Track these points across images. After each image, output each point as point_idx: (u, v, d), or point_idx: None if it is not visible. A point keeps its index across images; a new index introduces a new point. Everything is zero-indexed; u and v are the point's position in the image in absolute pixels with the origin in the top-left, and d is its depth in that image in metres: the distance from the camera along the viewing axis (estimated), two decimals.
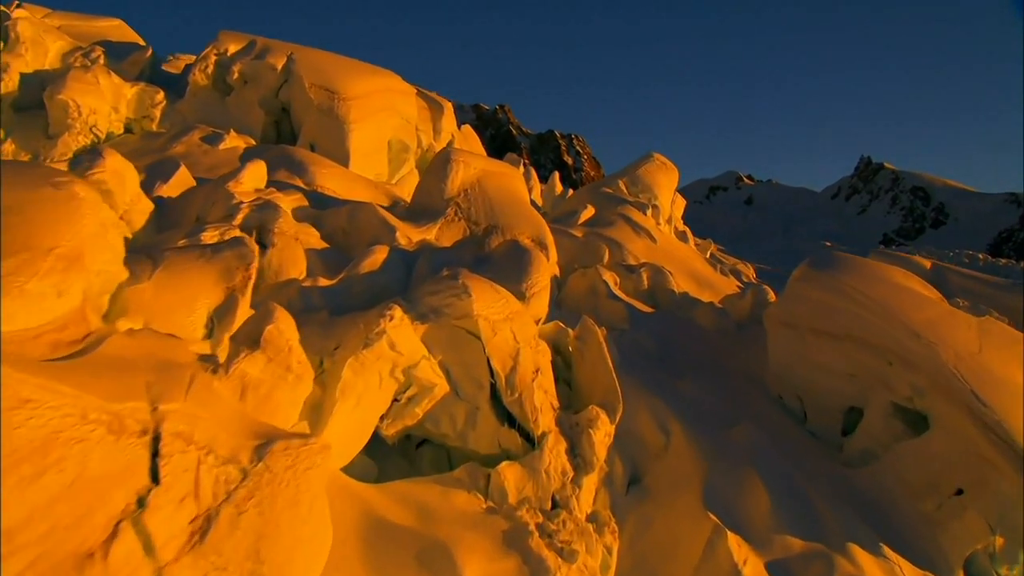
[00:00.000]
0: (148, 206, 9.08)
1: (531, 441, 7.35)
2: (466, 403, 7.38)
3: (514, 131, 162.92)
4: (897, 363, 10.16)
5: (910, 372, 9.97)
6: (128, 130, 16.65)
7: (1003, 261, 77.88)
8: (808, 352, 11.24)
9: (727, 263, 27.21)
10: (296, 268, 8.46)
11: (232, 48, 17.87)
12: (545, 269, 8.65)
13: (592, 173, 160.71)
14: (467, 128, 23.68)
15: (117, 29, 21.27)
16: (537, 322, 8.40)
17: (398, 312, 6.87)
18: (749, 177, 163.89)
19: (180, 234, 7.57)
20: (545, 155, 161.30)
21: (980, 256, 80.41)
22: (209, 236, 7.40)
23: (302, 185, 13.15)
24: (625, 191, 20.17)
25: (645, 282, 14.72)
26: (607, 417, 7.75)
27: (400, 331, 6.84)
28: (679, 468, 9.14)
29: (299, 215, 10.56)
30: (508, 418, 7.40)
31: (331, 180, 13.79)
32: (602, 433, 7.65)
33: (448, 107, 21.09)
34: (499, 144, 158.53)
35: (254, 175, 9.88)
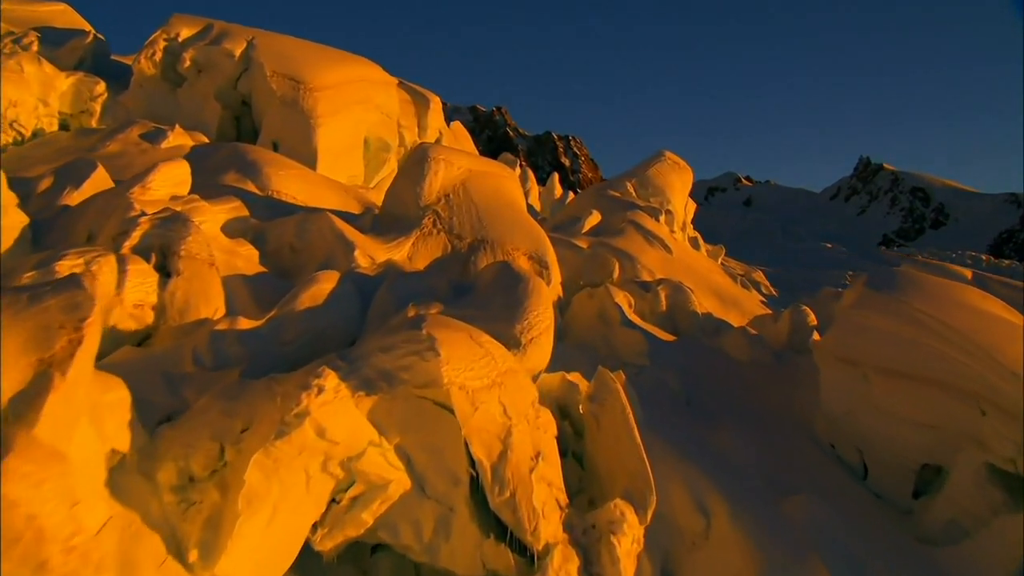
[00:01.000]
0: (19, 220, 6.79)
1: (529, 557, 5.07)
2: (436, 504, 5.10)
3: (511, 133, 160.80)
4: (993, 412, 7.91)
5: (1011, 425, 7.71)
6: (64, 126, 14.34)
7: (1006, 262, 75.98)
8: (873, 395, 9.01)
9: (737, 270, 24.97)
10: (209, 304, 6.19)
11: (185, 33, 15.54)
12: (546, 302, 6.38)
13: (590, 175, 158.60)
14: (457, 125, 21.40)
15: (62, 14, 18.98)
16: (536, 376, 6.15)
17: (330, 380, 4.59)
18: (747, 178, 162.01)
19: (31, 263, 5.29)
20: (542, 157, 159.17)
21: (984, 257, 78.47)
22: (66, 265, 5.13)
23: (254, 190, 10.85)
24: (634, 194, 17.91)
25: (663, 303, 12.45)
26: (635, 516, 5.46)
27: (333, 409, 4.56)
28: (724, 560, 6.95)
29: (234, 228, 8.26)
30: (496, 525, 5.12)
31: (290, 183, 11.50)
32: (629, 540, 5.35)
33: (435, 101, 18.80)
34: (496, 146, 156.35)
35: (169, 178, 7.57)
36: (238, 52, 14.91)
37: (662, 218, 16.73)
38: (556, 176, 25.33)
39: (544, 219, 19.45)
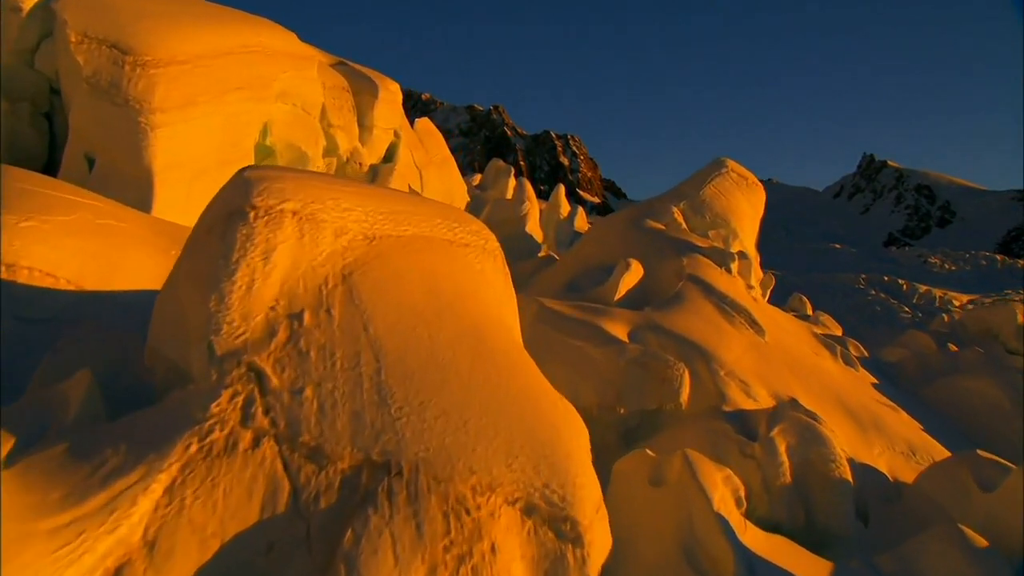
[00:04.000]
0: None
1: None
2: None
3: (509, 132, 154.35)
4: None
5: None
6: None
7: (1021, 263, 69.54)
8: None
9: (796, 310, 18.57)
10: None
11: None
12: None
13: (589, 174, 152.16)
14: (425, 125, 14.96)
15: None
16: None
17: None
18: None
19: None
20: (541, 156, 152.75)
21: (998, 257, 71.98)
22: None
23: None
24: (683, 224, 11.53)
25: (784, 466, 6.11)
26: None
27: None
28: None
29: None
30: None
31: (47, 244, 5.24)
32: None
33: (388, 89, 12.39)
34: (494, 145, 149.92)
35: None
36: (27, 4, 8.51)
37: (734, 265, 10.34)
38: (562, 189, 18.86)
39: (548, 262, 13.02)
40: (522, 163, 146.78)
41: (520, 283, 12.01)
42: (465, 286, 4.02)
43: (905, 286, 45.50)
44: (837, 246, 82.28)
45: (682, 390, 7.12)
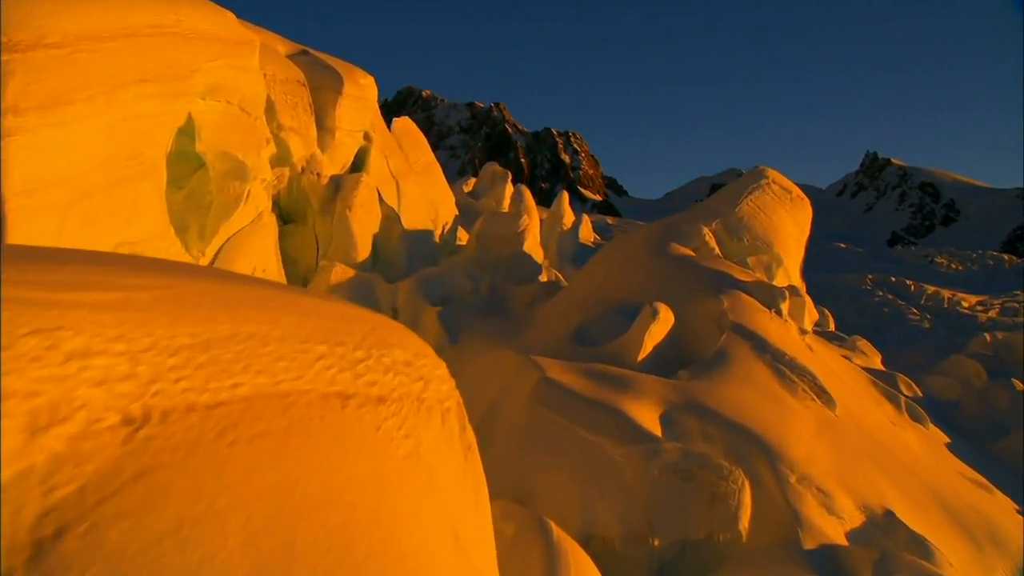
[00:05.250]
0: None
1: None
2: None
3: (510, 129, 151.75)
4: None
5: None
6: None
7: None
8: None
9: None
10: None
11: None
12: None
13: (591, 171, 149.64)
14: (405, 124, 12.58)
15: None
16: None
17: None
18: None
19: None
20: (542, 153, 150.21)
21: (1006, 257, 69.77)
22: None
23: None
24: (715, 246, 9.27)
25: None
26: None
27: None
28: None
29: None
30: None
31: None
32: None
33: (358, 82, 10.10)
34: (494, 143, 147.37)
35: None
36: None
37: (785, 306, 8.07)
38: (565, 196, 16.54)
39: (549, 288, 10.73)
40: (523, 160, 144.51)
41: (516, 318, 9.77)
42: (365, 501, 1.79)
43: (913, 287, 43.69)
44: (842, 245, 79.87)
45: (742, 512, 4.89)
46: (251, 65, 8.16)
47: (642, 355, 6.79)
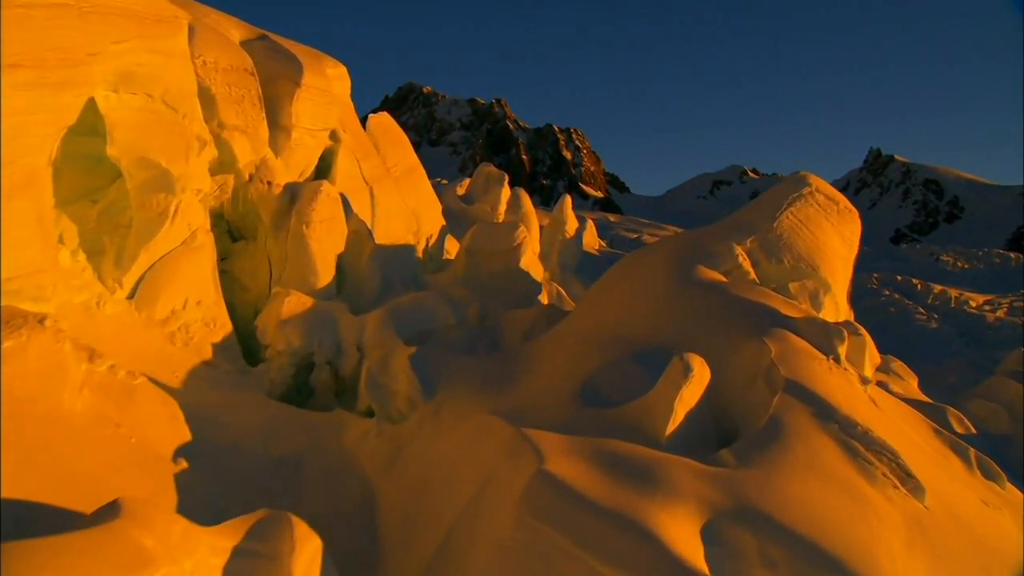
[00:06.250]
0: None
1: None
2: None
3: (511, 125, 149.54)
4: None
5: None
6: None
7: None
8: None
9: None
10: None
11: None
12: None
13: (592, 168, 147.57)
14: (382, 123, 10.77)
15: None
16: None
17: None
18: (754, 171, 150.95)
19: None
20: (543, 150, 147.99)
21: (1012, 255, 67.97)
22: None
23: None
24: (750, 270, 7.58)
25: None
26: None
27: None
28: None
29: None
30: None
31: None
32: None
33: (324, 73, 8.38)
34: (496, 139, 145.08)
35: None
36: None
37: (843, 349, 6.36)
38: (568, 201, 14.84)
39: (549, 315, 9.03)
40: (524, 157, 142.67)
41: (509, 357, 8.04)
42: None
43: (919, 286, 42.52)
44: None
45: None
46: (175, 49, 6.45)
47: (672, 428, 5.11)
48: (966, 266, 63.11)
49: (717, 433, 5.60)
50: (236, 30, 9.05)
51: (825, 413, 5.34)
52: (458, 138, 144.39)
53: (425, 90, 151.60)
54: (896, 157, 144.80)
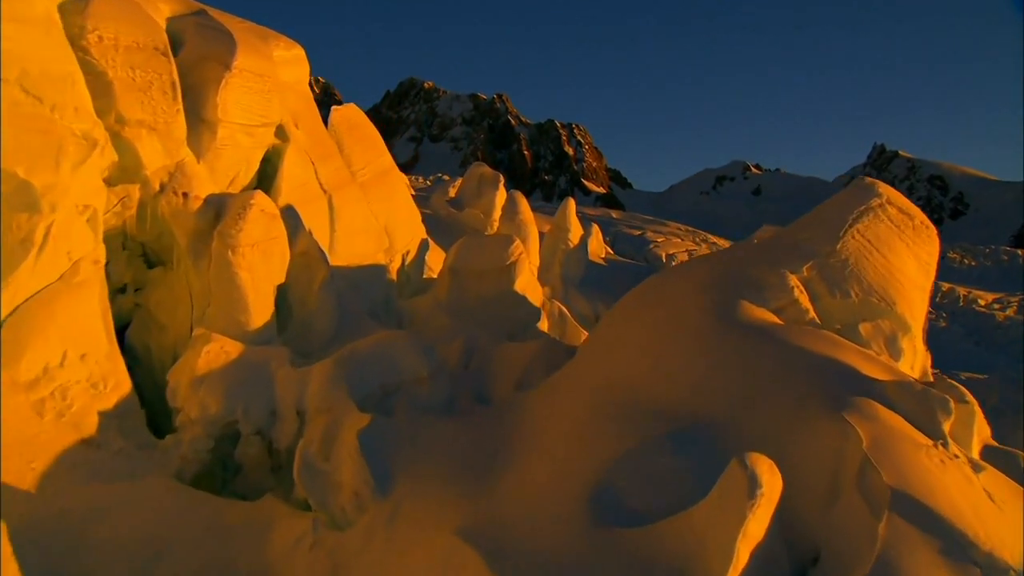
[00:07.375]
0: None
1: None
2: None
3: (513, 121, 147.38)
4: None
5: None
6: None
7: None
8: None
9: None
10: None
11: None
12: None
13: (594, 164, 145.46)
14: (348, 116, 8.89)
15: None
16: None
17: None
18: (757, 166, 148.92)
19: None
20: (545, 145, 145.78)
21: (1020, 252, 66.13)
22: None
23: None
24: (807, 305, 5.82)
25: None
26: None
27: None
28: None
29: None
30: None
31: None
32: None
33: (266, 54, 6.58)
34: (497, 135, 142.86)
35: None
36: None
37: (947, 424, 4.59)
38: (571, 204, 13.03)
39: (547, 351, 7.22)
40: (526, 152, 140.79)
41: (496, 421, 5.93)
42: None
43: None
44: None
45: None
46: (35, 14, 4.63)
47: (734, 572, 3.34)
48: (973, 263, 61.34)
49: (791, 560, 3.83)
50: (166, 4, 7.23)
51: (957, 548, 3.57)
52: (459, 133, 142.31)
53: (426, 85, 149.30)
54: (900, 153, 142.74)
